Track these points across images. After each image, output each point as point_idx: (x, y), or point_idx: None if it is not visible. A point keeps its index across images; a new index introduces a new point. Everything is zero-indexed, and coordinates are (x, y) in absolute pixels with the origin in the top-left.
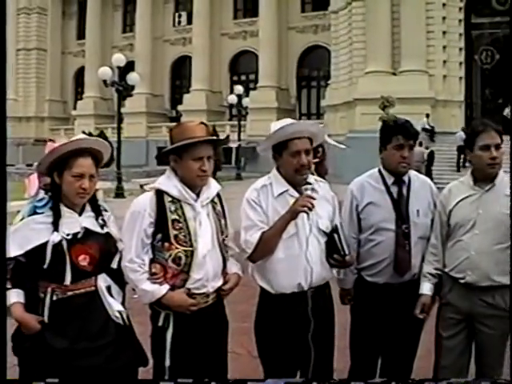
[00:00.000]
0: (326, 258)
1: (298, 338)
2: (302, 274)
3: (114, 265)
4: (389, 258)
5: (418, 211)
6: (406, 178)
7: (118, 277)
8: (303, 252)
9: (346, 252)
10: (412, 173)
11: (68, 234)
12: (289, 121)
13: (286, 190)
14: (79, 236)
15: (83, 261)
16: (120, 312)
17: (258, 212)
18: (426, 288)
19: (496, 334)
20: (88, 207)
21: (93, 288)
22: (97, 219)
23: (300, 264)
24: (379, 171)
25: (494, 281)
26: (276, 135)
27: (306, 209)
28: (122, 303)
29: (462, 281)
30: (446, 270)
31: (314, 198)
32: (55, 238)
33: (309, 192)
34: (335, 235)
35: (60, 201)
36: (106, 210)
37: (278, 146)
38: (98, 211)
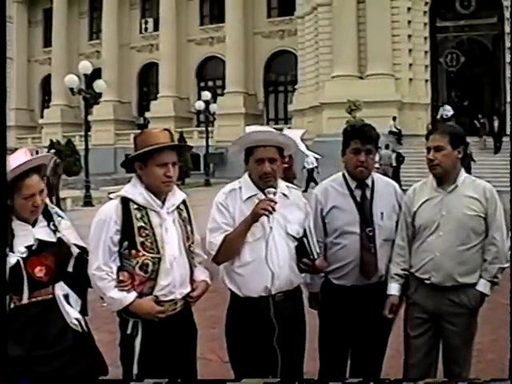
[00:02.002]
0: (296, 262)
1: (263, 342)
2: (268, 278)
3: (70, 268)
4: (354, 261)
5: (382, 214)
6: (369, 181)
7: (75, 281)
8: (270, 256)
9: (315, 256)
10: (376, 175)
11: (23, 252)
12: (261, 128)
13: (255, 194)
14: (34, 248)
15: (39, 272)
16: (78, 319)
17: (224, 215)
18: (394, 288)
19: (461, 331)
20: (41, 216)
21: (50, 296)
22: (48, 225)
23: (266, 267)
24: (343, 175)
25: (457, 281)
26: (242, 141)
27: (266, 212)
28: (82, 310)
29: (427, 281)
30: (412, 270)
31: (275, 202)
32: (11, 260)
33: (270, 195)
34: (304, 239)
35: (11, 219)
36: (61, 217)
37: (247, 151)
38: (49, 217)
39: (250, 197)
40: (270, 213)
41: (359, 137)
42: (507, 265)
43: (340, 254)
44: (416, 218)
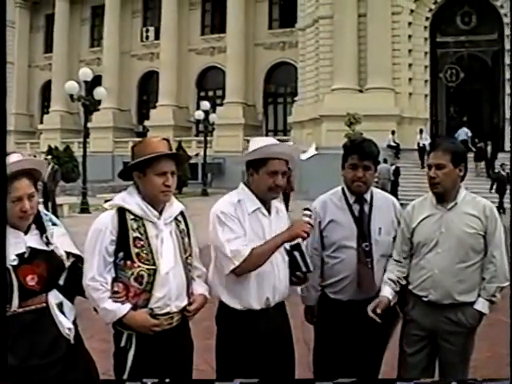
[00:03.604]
0: (289, 275)
1: (263, 354)
2: (270, 290)
3: (61, 281)
4: (351, 276)
5: (380, 229)
6: (368, 196)
7: (68, 289)
8: (274, 269)
9: (311, 269)
10: (375, 190)
11: (13, 260)
12: (271, 140)
13: (258, 208)
14: (26, 256)
15: (31, 281)
16: (70, 329)
17: (238, 225)
18: (386, 290)
19: (458, 350)
20: (33, 225)
21: (43, 305)
22: (41, 237)
23: (270, 280)
24: (342, 189)
25: (455, 299)
26: (262, 151)
27: (305, 235)
28: (75, 320)
29: (425, 299)
30: (410, 287)
31: (311, 225)
32: None
33: (307, 218)
34: (296, 253)
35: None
36: (55, 224)
37: (255, 162)
38: (42, 228)
39: (254, 210)
40: (308, 235)
41: (357, 152)
42: (506, 284)
43: (337, 268)
44: (415, 235)
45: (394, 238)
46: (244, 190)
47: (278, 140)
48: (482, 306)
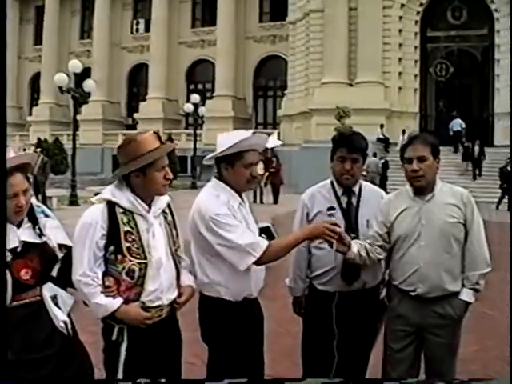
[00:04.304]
0: None
1: (251, 343)
2: (252, 281)
3: (54, 273)
4: (338, 267)
5: (367, 221)
6: (356, 189)
7: (62, 282)
8: None
9: None
10: (364, 183)
11: (7, 255)
12: (241, 132)
13: (240, 202)
14: (19, 250)
15: (25, 275)
16: (65, 322)
17: (237, 220)
18: (353, 248)
19: (446, 343)
20: (25, 218)
21: (37, 298)
22: (34, 228)
23: (252, 271)
24: (331, 182)
25: (445, 290)
26: (236, 146)
27: (330, 239)
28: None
29: (412, 293)
30: (395, 283)
31: (338, 226)
32: None
33: (333, 218)
34: (264, 236)
35: None
36: (47, 216)
37: (229, 156)
38: (34, 220)
39: (238, 206)
40: (333, 239)
41: (346, 145)
42: (488, 270)
43: (323, 259)
44: (394, 229)
45: None
46: (222, 186)
47: (266, 133)
48: (466, 295)
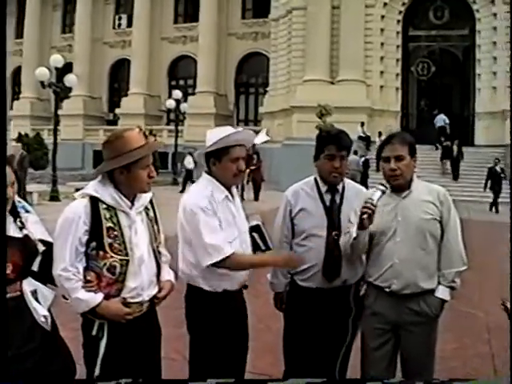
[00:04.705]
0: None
1: (238, 334)
2: (245, 273)
3: (35, 267)
4: (319, 264)
5: (349, 219)
6: (339, 187)
7: (42, 277)
8: (245, 251)
9: (270, 246)
10: (347, 181)
11: None
12: (228, 128)
13: (226, 196)
14: None
15: (6, 269)
16: (45, 317)
17: (215, 218)
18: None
19: (423, 340)
20: (7, 212)
21: (18, 293)
22: (15, 221)
23: None
24: (315, 179)
25: (418, 287)
26: (225, 140)
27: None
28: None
29: (387, 289)
30: (370, 279)
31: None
32: None
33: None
34: (255, 234)
35: None
36: (27, 211)
37: (217, 151)
38: (15, 214)
39: (223, 198)
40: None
41: (335, 143)
42: (464, 268)
43: (306, 256)
44: (372, 225)
45: None
46: (211, 181)
47: (251, 130)
48: (442, 293)
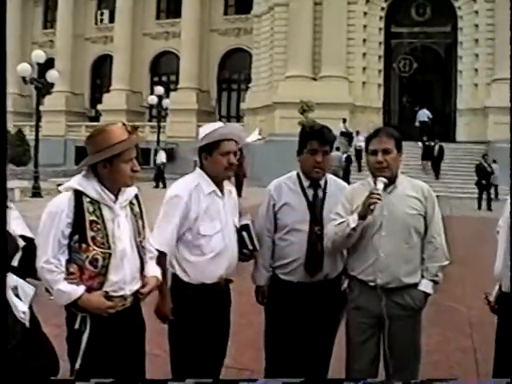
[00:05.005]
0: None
1: (216, 324)
2: (224, 267)
3: (15, 263)
4: (301, 258)
5: (337, 212)
6: (322, 182)
7: (22, 273)
8: (228, 248)
9: (257, 248)
10: (329, 176)
11: None
12: (218, 124)
13: (214, 190)
14: None
15: None
16: (25, 313)
17: (178, 216)
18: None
19: (408, 334)
20: None
21: None
22: None
23: (224, 259)
24: (297, 174)
25: (402, 282)
26: (213, 134)
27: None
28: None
29: (371, 283)
30: (354, 273)
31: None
32: None
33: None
34: (244, 233)
35: None
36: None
37: (208, 146)
38: None
39: (210, 192)
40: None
41: (318, 138)
42: (446, 262)
43: (287, 250)
44: None
45: None
46: (201, 174)
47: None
48: (426, 286)
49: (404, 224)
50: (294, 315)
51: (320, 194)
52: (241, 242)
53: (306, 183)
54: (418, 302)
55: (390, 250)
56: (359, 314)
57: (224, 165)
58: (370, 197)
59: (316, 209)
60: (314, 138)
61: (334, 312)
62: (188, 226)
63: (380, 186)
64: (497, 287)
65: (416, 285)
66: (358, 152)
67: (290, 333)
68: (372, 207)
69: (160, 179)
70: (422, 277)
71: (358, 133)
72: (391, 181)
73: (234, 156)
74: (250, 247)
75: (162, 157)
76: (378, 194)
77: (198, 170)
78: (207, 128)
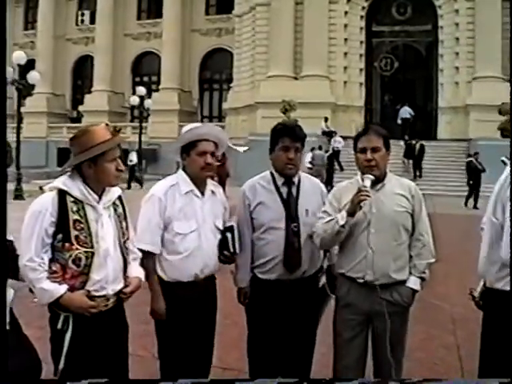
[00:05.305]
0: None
1: (189, 320)
2: (199, 266)
3: None
4: (279, 256)
5: (307, 211)
6: (295, 179)
7: None
8: (202, 247)
9: (237, 251)
10: (303, 174)
11: None
12: (197, 124)
13: (191, 190)
14: None
15: None
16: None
17: (158, 217)
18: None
19: (395, 330)
20: None
21: None
22: None
23: (198, 258)
24: (271, 173)
25: (391, 278)
26: (188, 135)
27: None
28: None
29: (360, 280)
30: (342, 271)
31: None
32: None
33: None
34: (228, 234)
35: None
36: None
37: (187, 146)
38: None
39: (187, 192)
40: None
41: (289, 135)
42: (433, 260)
43: (265, 249)
44: None
45: None
46: (181, 174)
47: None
48: (414, 283)
49: (393, 221)
50: (273, 314)
51: (294, 191)
52: (224, 243)
53: (279, 181)
54: (405, 298)
55: (379, 247)
56: (348, 311)
57: (201, 165)
58: (358, 194)
59: (291, 206)
60: (286, 135)
61: (313, 309)
62: (165, 224)
63: (367, 182)
64: (481, 283)
65: (404, 281)
66: (336, 153)
67: (271, 332)
68: (362, 204)
69: (134, 180)
70: (410, 273)
71: (335, 133)
72: (380, 179)
73: (211, 156)
74: (231, 250)
75: (132, 158)
76: (366, 191)
77: (179, 171)
78: (186, 128)
